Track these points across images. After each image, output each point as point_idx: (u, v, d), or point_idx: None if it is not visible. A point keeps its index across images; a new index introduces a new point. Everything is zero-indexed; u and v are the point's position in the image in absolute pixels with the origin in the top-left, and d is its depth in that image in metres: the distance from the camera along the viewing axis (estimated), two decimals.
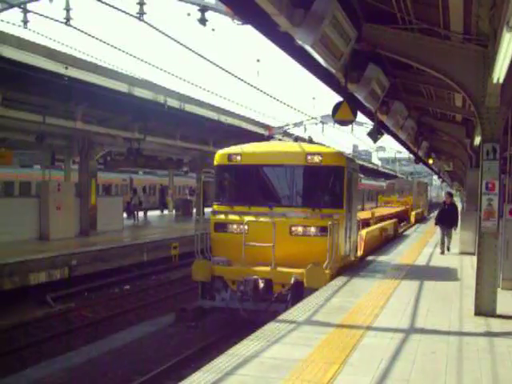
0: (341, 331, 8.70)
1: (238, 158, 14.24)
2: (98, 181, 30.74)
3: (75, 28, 14.17)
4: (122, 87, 21.51)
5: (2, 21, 16.32)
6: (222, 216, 14.24)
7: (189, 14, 12.68)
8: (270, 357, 7.34)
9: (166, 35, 12.95)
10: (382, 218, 30.29)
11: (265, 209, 13.71)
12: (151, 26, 12.43)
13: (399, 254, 19.22)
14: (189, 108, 26.11)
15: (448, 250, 19.93)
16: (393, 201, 47.29)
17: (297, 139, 16.04)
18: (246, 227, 13.45)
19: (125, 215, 34.46)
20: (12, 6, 14.69)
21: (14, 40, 16.11)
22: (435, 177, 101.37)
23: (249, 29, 11.14)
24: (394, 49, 10.99)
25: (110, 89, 20.82)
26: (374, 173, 78.58)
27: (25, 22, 15.16)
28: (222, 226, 14.21)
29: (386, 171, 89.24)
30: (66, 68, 18.14)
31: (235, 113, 31.14)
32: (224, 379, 6.46)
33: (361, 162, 53.65)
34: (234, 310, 12.98)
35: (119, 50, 13.58)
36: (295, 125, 42.04)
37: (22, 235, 22.60)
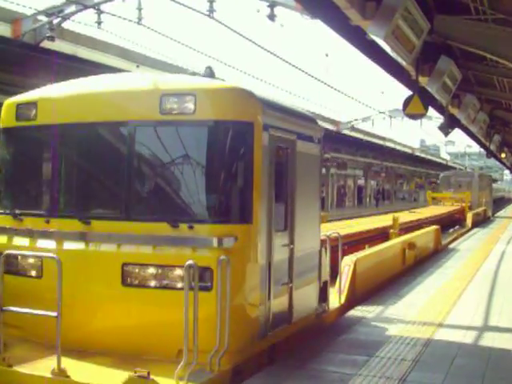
0: (411, 327, 8.58)
1: (33, 111, 7.03)
2: None
3: (147, 27, 14.51)
4: None
5: (75, 21, 16.89)
6: (4, 238, 7.06)
7: (258, 11, 12.81)
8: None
9: (235, 31, 13.10)
10: (415, 225, 21.20)
11: (75, 223, 6.60)
12: (221, 22, 12.60)
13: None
14: None
15: None
16: (446, 198, 39.34)
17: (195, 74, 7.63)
18: (39, 266, 6.67)
19: None
20: (87, 8, 15.15)
21: (89, 41, 16.64)
22: (507, 171, 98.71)
23: (317, 23, 11.14)
24: (468, 40, 10.78)
25: None
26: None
27: (99, 22, 15.61)
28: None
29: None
30: (138, 66, 18.59)
31: (302, 108, 31.14)
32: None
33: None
34: None
35: (189, 47, 13.82)
36: (363, 119, 41.79)
37: None
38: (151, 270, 6.26)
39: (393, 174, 74.18)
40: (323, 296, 8.53)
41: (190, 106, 6.30)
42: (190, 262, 5.57)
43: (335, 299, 9.32)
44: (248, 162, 6.43)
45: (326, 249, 8.89)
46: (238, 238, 6.20)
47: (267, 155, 6.68)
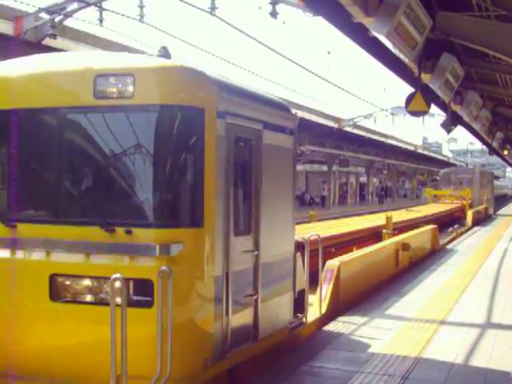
0: (414, 325, 8.58)
1: None
2: None
3: (149, 24, 14.51)
4: None
5: (77, 19, 16.88)
6: None
7: (260, 8, 12.80)
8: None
9: (237, 29, 13.10)
10: (412, 225, 19.77)
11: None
12: (223, 20, 12.59)
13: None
14: None
15: None
16: (445, 195, 38.10)
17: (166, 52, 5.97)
18: None
19: None
20: (89, 5, 15.14)
21: (91, 38, 16.63)
22: (509, 168, 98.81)
23: (319, 21, 11.13)
24: (470, 37, 10.76)
25: None
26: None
27: (101, 20, 15.61)
28: None
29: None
30: None
31: (304, 106, 31.11)
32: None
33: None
34: None
35: (191, 44, 13.84)
36: (365, 117, 41.70)
37: None
38: (83, 283, 5.37)
39: (395, 172, 74.06)
40: (299, 307, 7.63)
41: (128, 88, 5.31)
42: (117, 274, 4.71)
43: (316, 309, 8.49)
44: (198, 155, 5.41)
45: (303, 253, 8.04)
46: (186, 244, 5.25)
47: (223, 147, 5.67)
